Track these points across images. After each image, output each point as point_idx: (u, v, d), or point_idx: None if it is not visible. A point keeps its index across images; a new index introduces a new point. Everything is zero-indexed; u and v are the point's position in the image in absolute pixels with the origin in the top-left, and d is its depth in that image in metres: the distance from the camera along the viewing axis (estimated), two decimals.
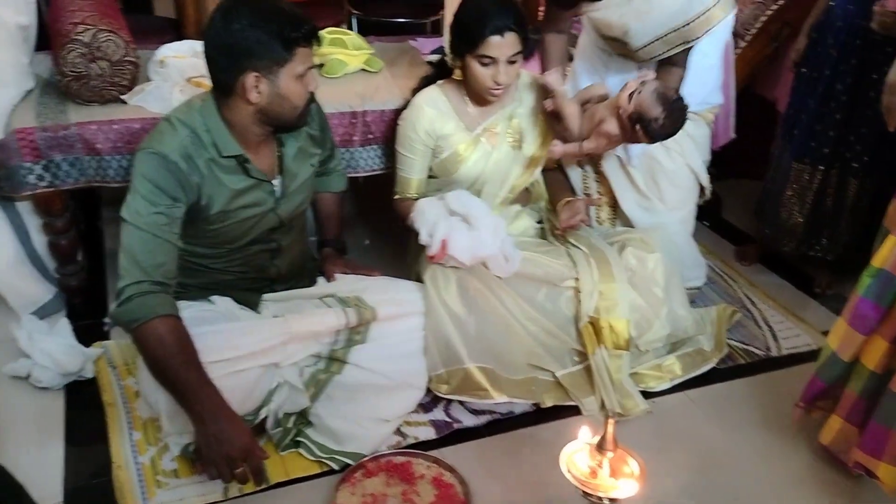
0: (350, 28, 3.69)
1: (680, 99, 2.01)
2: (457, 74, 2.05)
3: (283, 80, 1.65)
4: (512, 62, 1.94)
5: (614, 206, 2.34)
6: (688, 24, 1.91)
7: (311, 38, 1.67)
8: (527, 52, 1.99)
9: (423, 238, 1.94)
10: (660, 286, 2.06)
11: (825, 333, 1.88)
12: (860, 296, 1.68)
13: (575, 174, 2.37)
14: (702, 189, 2.31)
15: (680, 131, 2.05)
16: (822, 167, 2.44)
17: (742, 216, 2.99)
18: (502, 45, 1.90)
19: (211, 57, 1.65)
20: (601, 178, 2.32)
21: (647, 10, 1.93)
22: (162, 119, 1.75)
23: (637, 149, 2.16)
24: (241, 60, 1.61)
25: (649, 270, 2.06)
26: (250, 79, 1.62)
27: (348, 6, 3.72)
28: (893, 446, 1.65)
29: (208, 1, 3.06)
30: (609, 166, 2.28)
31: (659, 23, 1.94)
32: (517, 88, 2.12)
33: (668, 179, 2.24)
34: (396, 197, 2.18)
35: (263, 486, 1.72)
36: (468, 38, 1.93)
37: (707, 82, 2.17)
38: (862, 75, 2.27)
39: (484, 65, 1.93)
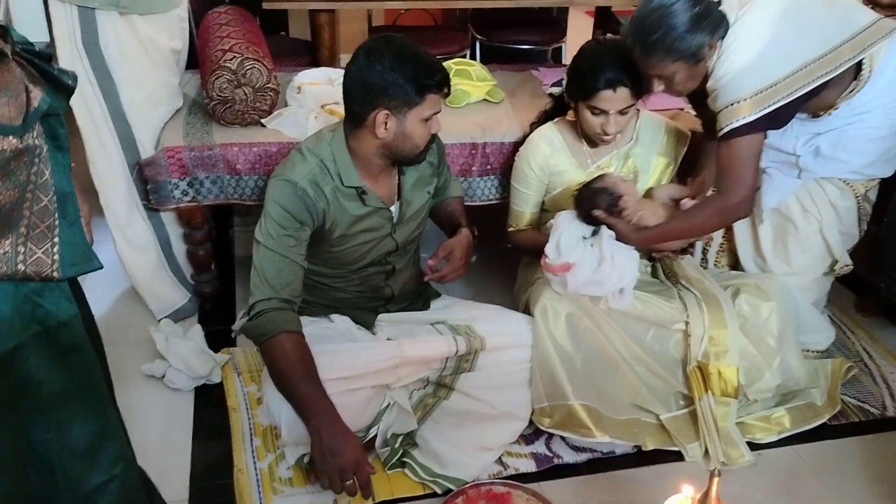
0: (473, 53, 3.79)
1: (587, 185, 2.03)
2: (570, 115, 2.10)
3: (409, 121, 1.75)
4: (623, 113, 1.98)
5: (736, 252, 2.28)
6: (718, 113, 1.86)
7: (443, 87, 1.76)
8: (643, 91, 2.00)
9: (550, 248, 1.98)
10: (773, 335, 2.02)
11: None
12: None
13: None
14: (834, 262, 2.18)
15: (821, 194, 2.04)
16: None
17: (865, 263, 2.85)
18: (613, 98, 1.95)
19: (348, 90, 1.76)
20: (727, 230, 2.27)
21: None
22: (294, 149, 1.89)
23: (770, 203, 2.09)
24: (375, 98, 1.71)
25: (763, 319, 2.02)
26: (381, 115, 1.72)
27: (473, 32, 3.81)
28: None
29: (342, 26, 3.22)
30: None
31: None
32: (634, 128, 2.14)
33: (798, 243, 2.14)
34: (511, 229, 2.25)
35: (370, 502, 1.81)
36: (581, 87, 1.99)
37: (869, 153, 2.01)
38: None
39: (595, 114, 1.98)
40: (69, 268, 1.09)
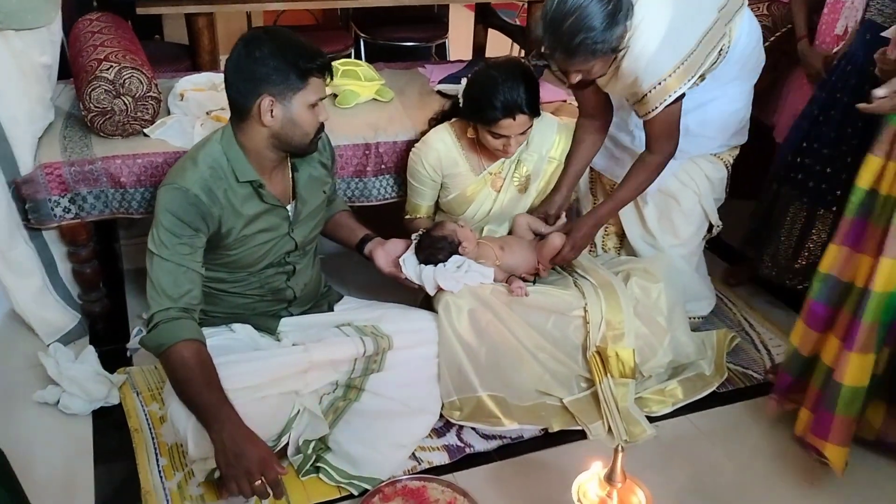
0: (358, 51, 3.78)
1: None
2: (469, 132, 2.15)
3: (295, 107, 1.75)
4: (524, 133, 2.05)
5: (622, 235, 2.42)
6: (645, 95, 1.94)
7: (324, 71, 1.77)
8: (539, 111, 2.07)
9: (416, 282, 2.05)
10: (663, 315, 2.14)
11: None
12: (813, 299, 1.92)
13: (586, 202, 2.47)
14: (710, 227, 2.38)
15: (697, 170, 2.20)
16: (822, 209, 2.41)
17: (735, 235, 3.00)
18: (514, 125, 2.01)
19: (231, 81, 1.75)
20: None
21: (610, 84, 2.02)
22: (183, 156, 1.84)
23: (653, 187, 2.20)
24: (258, 85, 1.71)
25: (653, 300, 2.14)
26: (266, 102, 1.72)
27: (356, 30, 3.81)
28: (836, 428, 1.86)
29: (221, 27, 3.14)
30: None
31: (622, 92, 2.03)
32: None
33: (683, 216, 2.31)
34: (407, 217, 2.32)
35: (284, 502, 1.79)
36: (480, 116, 2.04)
37: (730, 126, 2.22)
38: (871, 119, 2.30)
39: (496, 137, 2.04)
40: None
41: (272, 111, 1.73)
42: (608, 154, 2.34)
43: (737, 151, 2.34)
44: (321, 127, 1.84)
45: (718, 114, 2.18)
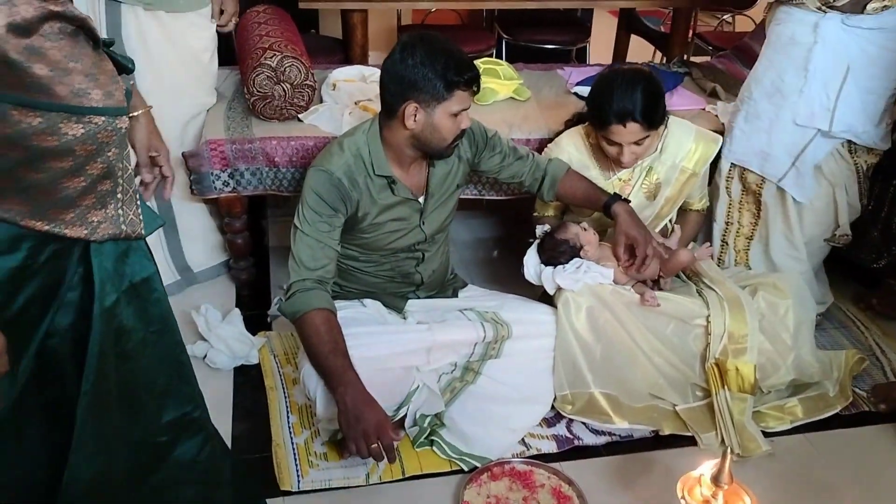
0: (500, 51, 3.88)
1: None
2: (591, 137, 2.19)
3: (437, 115, 1.85)
4: (639, 143, 2.07)
5: (750, 237, 2.43)
6: None
7: (471, 84, 1.85)
8: (657, 124, 2.08)
9: (535, 283, 2.13)
10: (789, 332, 2.10)
11: None
12: None
13: (721, 205, 2.47)
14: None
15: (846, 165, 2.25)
16: None
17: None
18: (624, 132, 2.03)
19: (384, 83, 1.87)
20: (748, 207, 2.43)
21: None
22: (333, 140, 1.99)
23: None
24: (406, 91, 1.82)
25: (780, 316, 2.10)
26: (410, 108, 1.83)
27: (499, 31, 3.90)
28: None
29: (372, 24, 3.32)
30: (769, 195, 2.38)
31: None
32: (661, 137, 2.20)
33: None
34: (535, 214, 2.37)
35: (400, 476, 1.92)
36: (595, 118, 2.08)
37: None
38: None
39: (609, 143, 2.07)
40: (147, 227, 1.22)
41: (415, 116, 1.84)
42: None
43: None
44: (461, 133, 1.94)
45: None
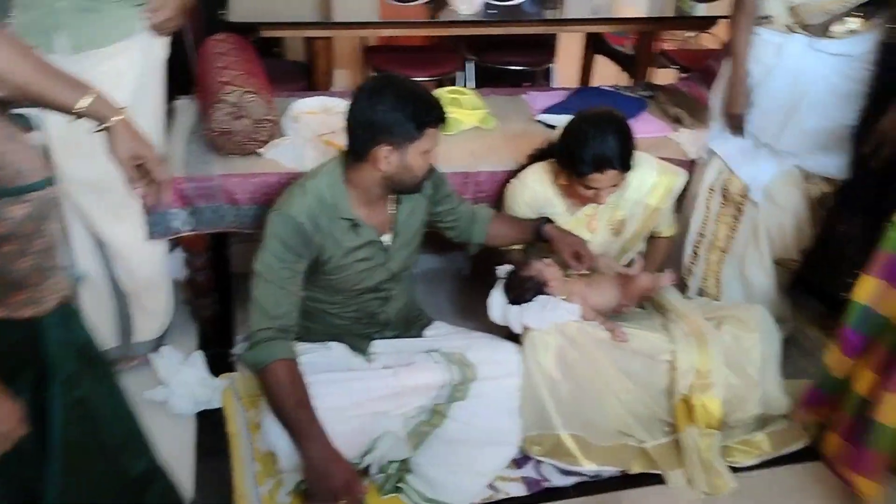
0: (465, 72, 3.86)
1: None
2: (561, 178, 2.16)
3: (410, 155, 1.84)
4: (614, 185, 2.07)
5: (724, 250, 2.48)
6: None
7: (439, 122, 1.85)
8: (630, 166, 2.08)
9: (501, 324, 2.12)
10: (755, 366, 2.10)
11: None
12: (847, 326, 1.97)
13: (697, 216, 2.49)
14: None
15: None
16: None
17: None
18: (602, 179, 2.03)
19: (351, 128, 1.85)
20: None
21: None
22: (295, 183, 1.96)
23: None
24: (378, 135, 1.80)
25: (745, 349, 2.11)
26: (383, 150, 1.81)
27: (465, 52, 3.88)
28: (872, 463, 1.92)
29: (336, 46, 3.29)
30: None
31: None
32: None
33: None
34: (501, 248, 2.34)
35: None
36: (571, 165, 2.06)
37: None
38: None
39: (586, 188, 2.06)
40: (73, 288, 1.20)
41: (388, 158, 1.82)
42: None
43: None
44: (431, 170, 1.93)
45: None
